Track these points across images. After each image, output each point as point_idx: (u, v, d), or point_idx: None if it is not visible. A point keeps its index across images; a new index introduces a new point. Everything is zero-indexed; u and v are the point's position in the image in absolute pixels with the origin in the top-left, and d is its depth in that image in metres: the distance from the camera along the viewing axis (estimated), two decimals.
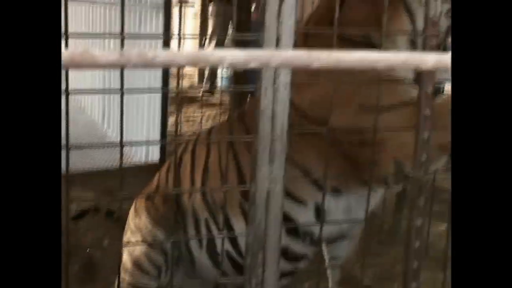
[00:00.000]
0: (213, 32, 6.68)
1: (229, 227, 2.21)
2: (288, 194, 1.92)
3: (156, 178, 2.51)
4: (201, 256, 2.33)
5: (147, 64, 0.40)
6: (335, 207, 2.10)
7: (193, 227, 2.32)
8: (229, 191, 2.16)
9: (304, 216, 2.11)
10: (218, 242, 2.26)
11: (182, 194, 2.31)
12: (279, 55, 0.42)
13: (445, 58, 0.50)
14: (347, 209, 2.13)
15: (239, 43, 3.84)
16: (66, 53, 0.39)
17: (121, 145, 1.63)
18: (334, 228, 2.18)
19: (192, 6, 7.68)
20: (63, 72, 1.21)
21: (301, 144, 1.99)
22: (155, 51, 0.40)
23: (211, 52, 0.42)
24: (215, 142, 2.32)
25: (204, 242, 2.31)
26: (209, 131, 2.55)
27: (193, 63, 0.41)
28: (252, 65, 0.42)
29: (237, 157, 2.21)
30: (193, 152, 2.38)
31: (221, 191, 2.20)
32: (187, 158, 2.38)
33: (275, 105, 1.57)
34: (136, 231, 2.38)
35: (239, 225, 2.19)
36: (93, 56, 0.39)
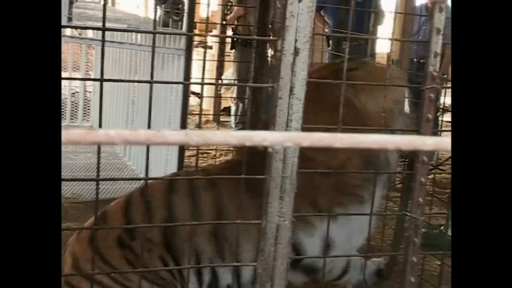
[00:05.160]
0: (238, 75, 7.00)
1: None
2: None
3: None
4: None
5: (207, 142, 0.51)
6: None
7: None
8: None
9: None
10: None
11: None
12: (309, 137, 0.53)
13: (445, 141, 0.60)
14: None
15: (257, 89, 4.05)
16: (142, 132, 0.50)
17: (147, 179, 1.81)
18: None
19: (211, 48, 7.94)
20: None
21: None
22: (213, 132, 0.51)
23: (256, 133, 0.52)
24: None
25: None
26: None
27: (241, 143, 0.52)
28: (287, 144, 0.52)
29: None
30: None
31: None
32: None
33: (286, 148, 1.74)
34: None
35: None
36: (163, 135, 0.51)
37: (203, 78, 2.13)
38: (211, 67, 7.46)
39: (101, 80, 1.69)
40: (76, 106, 6.33)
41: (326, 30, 6.47)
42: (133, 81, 5.25)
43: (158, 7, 4.52)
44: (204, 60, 2.22)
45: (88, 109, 6.34)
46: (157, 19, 4.50)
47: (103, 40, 1.66)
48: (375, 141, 0.51)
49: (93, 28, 3.85)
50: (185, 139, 0.48)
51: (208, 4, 2.82)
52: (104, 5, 1.64)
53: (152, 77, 1.75)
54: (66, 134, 0.45)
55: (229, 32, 7.37)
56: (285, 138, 0.51)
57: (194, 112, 6.56)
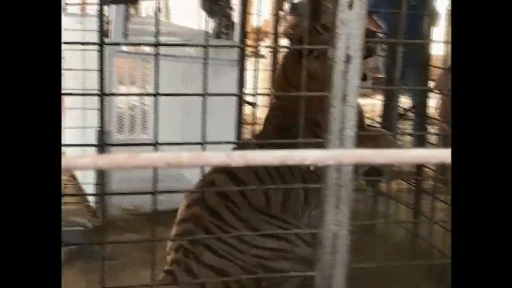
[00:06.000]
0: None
1: None
2: None
3: None
4: None
5: (248, 163, 0.51)
6: None
7: None
8: None
9: None
10: None
11: None
12: (351, 154, 0.53)
13: None
14: None
15: None
16: (185, 155, 0.51)
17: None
18: None
19: (264, 57, 7.96)
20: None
21: None
22: (253, 152, 0.52)
23: (296, 152, 0.53)
24: None
25: None
26: None
27: (282, 162, 0.52)
28: (329, 162, 0.52)
29: None
30: None
31: None
32: None
33: None
34: None
35: None
36: (205, 157, 0.52)
37: (255, 89, 2.15)
38: (265, 76, 7.48)
39: (156, 94, 1.73)
40: (134, 119, 6.44)
41: (380, 34, 6.39)
42: (187, 95, 5.32)
43: (210, 19, 4.58)
44: (256, 70, 2.24)
45: (146, 122, 6.44)
46: (210, 31, 4.57)
47: (156, 54, 1.70)
48: (415, 155, 0.51)
49: (146, 44, 3.91)
50: (227, 160, 0.49)
51: (258, 14, 2.84)
52: (157, 21, 1.67)
53: (204, 89, 1.77)
54: (111, 159, 0.46)
55: (285, 42, 7.37)
56: (327, 156, 0.51)
57: (249, 121, 6.58)
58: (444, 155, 0.52)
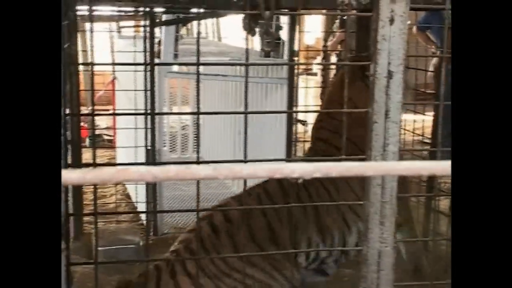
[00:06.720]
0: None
1: None
2: None
3: None
4: None
5: (235, 176, 0.51)
6: None
7: None
8: None
9: None
10: None
11: None
12: (338, 167, 0.53)
13: None
14: None
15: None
16: (172, 169, 0.51)
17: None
18: None
19: (315, 75, 7.97)
20: None
21: None
22: (241, 165, 0.52)
23: (284, 165, 0.53)
24: None
25: None
26: None
27: (270, 175, 0.52)
28: (317, 175, 0.52)
29: None
30: None
31: None
32: None
33: None
34: None
35: None
36: (191, 171, 0.51)
37: (296, 106, 2.15)
38: (317, 93, 7.46)
39: (198, 113, 1.75)
40: (186, 138, 6.53)
41: (432, 49, 6.32)
42: (227, 113, 5.37)
43: (257, 38, 4.62)
44: (297, 87, 2.25)
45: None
46: (259, 50, 4.61)
47: (197, 74, 1.73)
48: (408, 168, 0.49)
49: (186, 64, 3.96)
50: (214, 174, 0.49)
51: (300, 31, 2.85)
52: (198, 41, 1.70)
53: (246, 108, 1.78)
54: (99, 174, 0.47)
55: (333, 58, 7.36)
56: (314, 169, 0.51)
57: (301, 139, 6.58)
58: (438, 167, 0.50)
